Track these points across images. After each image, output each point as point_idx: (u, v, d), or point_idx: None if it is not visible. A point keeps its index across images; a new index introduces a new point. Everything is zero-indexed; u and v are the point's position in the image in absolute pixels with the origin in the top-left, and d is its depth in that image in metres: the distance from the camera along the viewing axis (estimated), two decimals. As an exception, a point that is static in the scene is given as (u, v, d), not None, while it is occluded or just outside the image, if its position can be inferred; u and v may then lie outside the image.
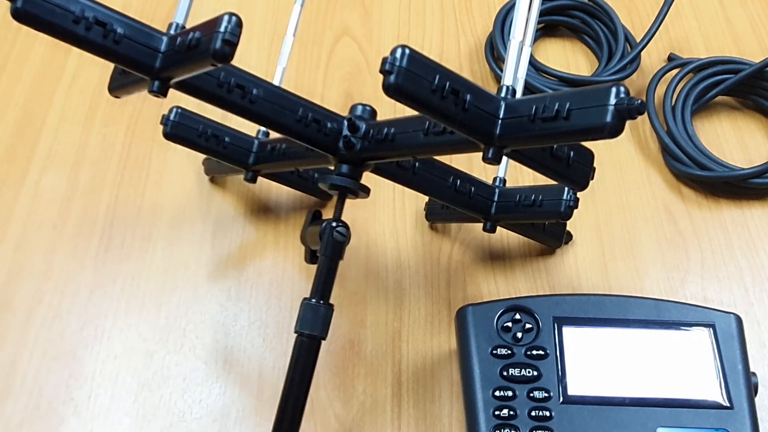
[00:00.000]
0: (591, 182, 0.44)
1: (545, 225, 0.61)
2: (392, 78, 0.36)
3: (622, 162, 0.70)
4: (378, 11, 0.81)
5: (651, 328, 0.51)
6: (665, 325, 0.51)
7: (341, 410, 0.55)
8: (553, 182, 0.47)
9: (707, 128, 0.72)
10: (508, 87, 0.39)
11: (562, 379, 0.49)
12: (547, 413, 0.48)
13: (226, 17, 0.37)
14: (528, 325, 0.51)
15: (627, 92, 0.34)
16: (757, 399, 0.50)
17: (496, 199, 0.55)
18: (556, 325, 0.51)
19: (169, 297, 0.60)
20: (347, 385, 0.56)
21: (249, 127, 0.56)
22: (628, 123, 0.35)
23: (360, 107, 0.49)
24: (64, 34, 0.38)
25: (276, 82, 0.53)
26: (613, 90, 0.34)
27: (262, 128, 0.59)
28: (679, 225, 0.65)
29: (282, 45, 0.56)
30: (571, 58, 0.78)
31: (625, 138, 0.71)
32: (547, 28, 0.80)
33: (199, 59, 0.38)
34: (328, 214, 0.55)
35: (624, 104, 0.33)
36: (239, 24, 0.37)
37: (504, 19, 0.76)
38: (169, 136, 0.56)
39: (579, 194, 0.53)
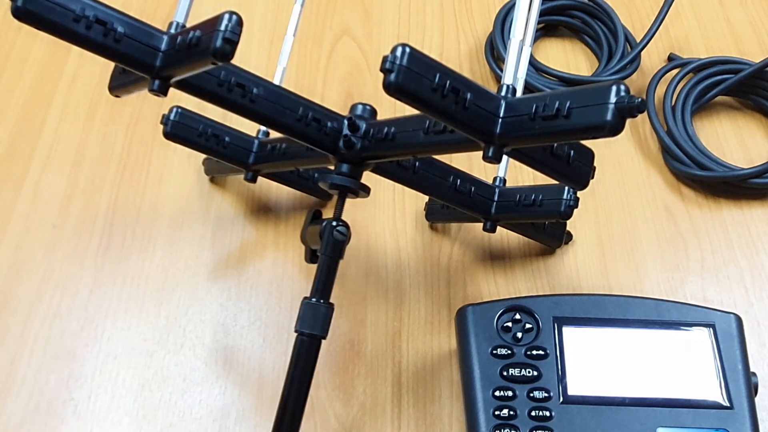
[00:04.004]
0: (591, 182, 0.44)
1: (545, 225, 0.61)
2: (393, 76, 0.36)
3: (622, 162, 0.70)
4: (378, 11, 0.81)
5: (651, 328, 0.51)
6: (665, 325, 0.51)
7: (341, 410, 0.55)
8: (553, 182, 0.47)
9: (707, 128, 0.72)
10: (508, 86, 0.39)
11: (562, 379, 0.49)
12: (547, 413, 0.48)
13: (226, 16, 0.37)
14: (528, 325, 0.51)
15: (627, 90, 0.34)
16: (757, 399, 0.49)
17: (496, 198, 0.55)
18: (556, 325, 0.51)
19: (169, 297, 0.60)
20: (347, 385, 0.56)
21: (249, 127, 0.56)
22: (628, 123, 0.35)
23: (360, 106, 0.49)
24: (65, 32, 0.38)
25: (276, 82, 0.53)
26: (614, 88, 0.34)
27: (262, 128, 0.59)
28: (679, 225, 0.65)
29: (282, 45, 0.56)
30: (571, 58, 0.78)
31: (625, 138, 0.71)
32: (547, 28, 0.80)
33: (200, 58, 0.38)
34: (328, 213, 0.55)
35: (624, 102, 0.33)
36: (240, 23, 0.37)
37: (504, 19, 0.76)
38: (169, 135, 0.56)
39: (579, 194, 0.53)
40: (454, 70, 0.38)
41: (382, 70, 0.36)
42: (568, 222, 0.61)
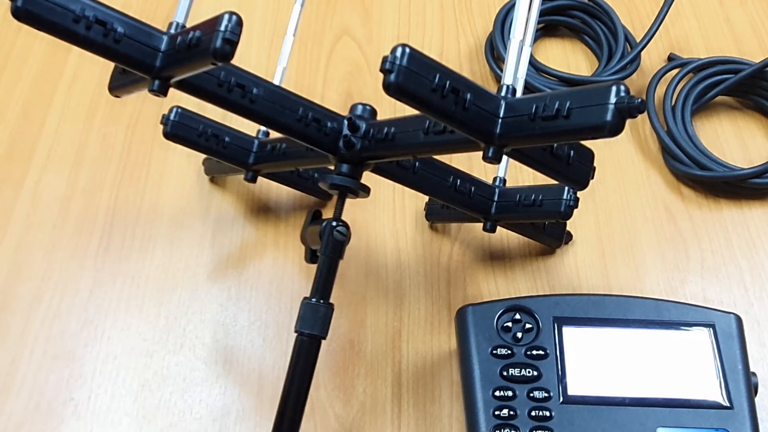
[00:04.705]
0: (591, 182, 0.44)
1: (545, 225, 0.61)
2: (392, 77, 0.36)
3: (622, 162, 0.70)
4: (378, 11, 0.81)
5: (651, 328, 0.51)
6: (665, 325, 0.51)
7: (341, 410, 0.55)
8: (553, 182, 0.47)
9: (707, 128, 0.72)
10: (508, 86, 0.39)
11: (562, 379, 0.49)
12: (547, 413, 0.48)
13: (226, 16, 0.37)
14: (528, 325, 0.51)
15: (627, 91, 0.34)
16: (757, 399, 0.49)
17: (496, 198, 0.55)
18: (556, 325, 0.51)
19: (169, 297, 0.60)
20: (347, 385, 0.56)
21: (249, 127, 0.56)
22: (628, 123, 0.35)
23: (360, 107, 0.49)
24: (65, 33, 0.38)
25: (276, 82, 0.53)
26: (614, 89, 0.34)
27: (262, 128, 0.59)
28: (679, 225, 0.65)
29: (282, 45, 0.56)
30: (571, 58, 0.78)
31: (625, 138, 0.71)
32: (547, 28, 0.80)
33: (200, 58, 0.38)
34: (328, 213, 0.55)
35: (624, 103, 0.34)
36: (239, 23, 0.37)
37: (504, 19, 0.76)
38: (169, 135, 0.56)
39: (579, 194, 0.53)
40: (454, 71, 0.38)
41: (382, 70, 0.36)
42: (568, 222, 0.61)
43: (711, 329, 0.51)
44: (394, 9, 0.81)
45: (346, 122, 0.48)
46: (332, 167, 0.50)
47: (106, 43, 0.39)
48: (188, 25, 0.41)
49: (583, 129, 0.35)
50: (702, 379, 0.49)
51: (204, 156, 0.65)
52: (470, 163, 0.65)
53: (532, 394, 0.49)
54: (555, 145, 0.42)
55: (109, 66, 0.46)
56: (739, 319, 0.51)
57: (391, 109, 0.51)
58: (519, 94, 0.41)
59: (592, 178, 0.44)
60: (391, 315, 0.59)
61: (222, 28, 0.36)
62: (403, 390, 0.56)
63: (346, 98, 0.73)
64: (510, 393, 0.49)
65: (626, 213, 0.66)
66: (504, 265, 0.63)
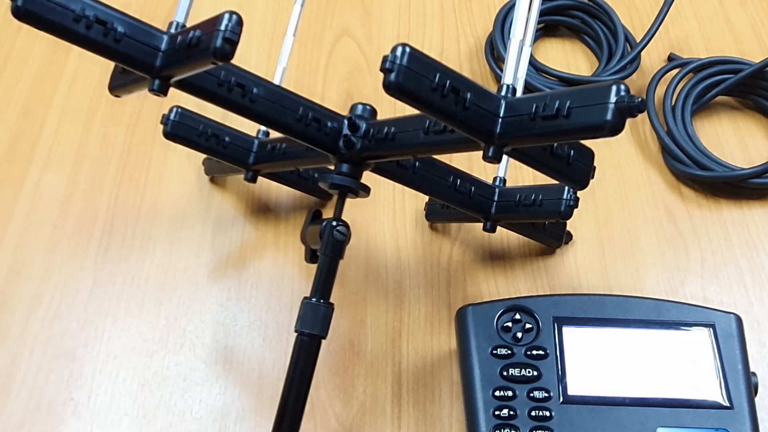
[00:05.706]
0: (591, 182, 0.44)
1: (545, 225, 0.61)
2: (393, 76, 0.36)
3: (622, 162, 0.70)
4: (378, 11, 0.81)
5: (651, 328, 0.51)
6: (665, 325, 0.51)
7: (341, 410, 0.55)
8: (554, 182, 0.47)
9: (707, 128, 0.72)
10: (508, 86, 0.39)
11: (562, 379, 0.49)
12: (547, 413, 0.48)
13: (226, 15, 0.37)
14: (528, 325, 0.51)
15: (627, 90, 0.34)
16: (757, 399, 0.49)
17: (496, 198, 0.55)
18: (556, 325, 0.51)
19: (169, 297, 0.60)
20: (347, 385, 0.56)
21: (249, 127, 0.56)
22: (628, 122, 0.35)
23: (360, 106, 0.49)
24: (65, 32, 0.38)
25: (276, 82, 0.53)
26: (614, 88, 0.34)
27: (263, 128, 0.59)
28: (679, 225, 0.65)
29: (282, 45, 0.56)
30: (571, 58, 0.78)
31: (625, 138, 0.71)
32: (547, 28, 0.80)
33: (200, 58, 0.38)
34: (328, 213, 0.55)
35: (624, 102, 0.34)
36: (240, 22, 0.37)
37: (504, 19, 0.76)
38: (169, 135, 0.56)
39: (579, 194, 0.53)
40: (454, 70, 0.38)
41: (382, 69, 0.36)
42: (568, 222, 0.61)
43: (711, 329, 0.51)
44: (394, 9, 0.81)
45: (346, 122, 0.48)
46: (332, 167, 0.50)
47: (106, 42, 0.39)
48: (188, 25, 0.41)
49: (583, 128, 0.35)
50: (702, 379, 0.49)
51: (204, 156, 0.65)
52: (470, 163, 0.65)
53: (532, 394, 0.49)
54: (555, 144, 0.42)
55: (109, 66, 0.46)
56: (739, 319, 0.51)
57: (391, 108, 0.51)
58: (519, 93, 0.41)
59: (592, 177, 0.44)
60: (391, 315, 0.59)
61: (222, 27, 0.36)
62: (403, 390, 0.56)
63: (346, 98, 0.73)
64: (510, 393, 0.49)
65: (626, 213, 0.66)
66: (504, 265, 0.63)
